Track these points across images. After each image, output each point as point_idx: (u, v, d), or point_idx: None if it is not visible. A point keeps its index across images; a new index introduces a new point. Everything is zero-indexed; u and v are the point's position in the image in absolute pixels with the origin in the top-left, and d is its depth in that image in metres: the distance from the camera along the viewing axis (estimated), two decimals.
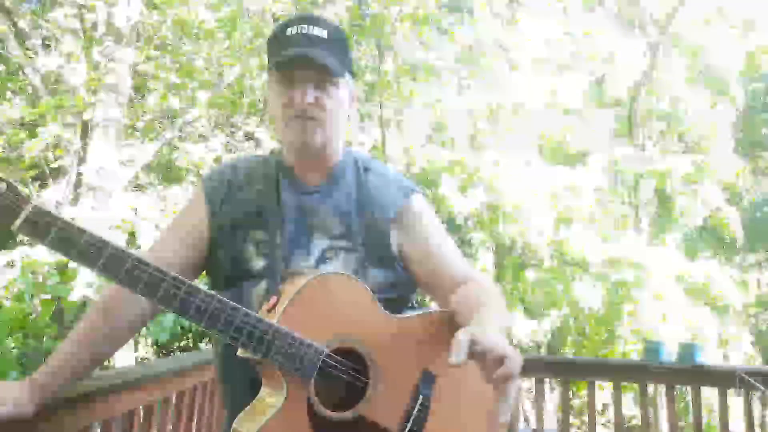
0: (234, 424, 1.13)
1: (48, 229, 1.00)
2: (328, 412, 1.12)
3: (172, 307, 1.06)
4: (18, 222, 0.99)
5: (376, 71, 8.56)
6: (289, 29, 1.24)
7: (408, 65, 9.27)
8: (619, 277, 8.52)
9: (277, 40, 1.25)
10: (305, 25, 1.23)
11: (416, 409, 1.19)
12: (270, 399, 1.11)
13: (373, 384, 1.16)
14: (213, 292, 1.10)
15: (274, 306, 1.13)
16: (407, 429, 1.18)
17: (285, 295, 1.14)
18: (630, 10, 12.53)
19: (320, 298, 1.14)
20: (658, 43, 11.51)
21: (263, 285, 1.22)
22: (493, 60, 10.21)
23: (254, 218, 1.27)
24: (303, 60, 1.20)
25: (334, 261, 1.25)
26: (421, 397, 1.19)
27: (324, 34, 1.24)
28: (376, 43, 8.41)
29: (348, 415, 1.14)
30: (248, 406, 1.13)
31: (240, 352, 1.12)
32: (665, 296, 8.50)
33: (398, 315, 1.23)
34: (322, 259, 1.25)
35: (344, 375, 1.15)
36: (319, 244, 1.26)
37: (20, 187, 1.02)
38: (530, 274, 9.26)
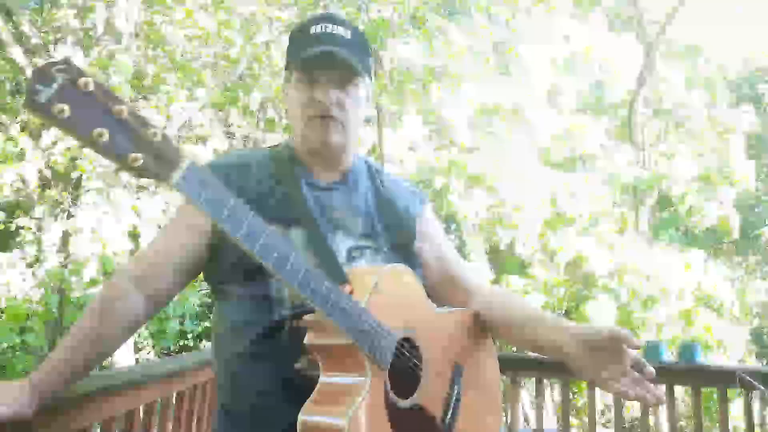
0: (302, 416, 1.05)
1: (204, 185, 0.90)
2: (399, 400, 1.14)
3: (293, 283, 0.99)
4: (176, 176, 0.87)
5: (374, 73, 8.57)
6: (312, 28, 1.24)
7: (407, 68, 9.28)
8: (628, 290, 8.49)
9: (300, 38, 1.25)
10: (329, 24, 1.23)
11: (453, 399, 1.25)
12: (348, 385, 1.08)
13: (424, 373, 1.20)
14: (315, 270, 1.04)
15: (350, 294, 1.12)
16: (448, 417, 1.24)
17: (360, 284, 1.13)
18: (628, 10, 12.54)
19: (392, 289, 1.17)
20: (656, 44, 11.51)
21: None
22: (492, 63, 10.22)
23: (273, 211, 1.19)
24: (329, 58, 1.20)
25: (361, 261, 1.25)
26: (456, 387, 1.26)
27: (348, 34, 1.24)
28: (375, 46, 8.42)
29: (409, 402, 1.17)
30: (314, 395, 1.07)
31: (310, 338, 1.09)
32: (664, 297, 8.51)
33: (440, 309, 1.29)
34: (349, 258, 1.25)
35: (411, 364, 1.19)
36: (345, 243, 1.26)
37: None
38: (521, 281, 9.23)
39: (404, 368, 1.19)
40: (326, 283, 1.03)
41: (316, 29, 1.23)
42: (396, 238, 1.31)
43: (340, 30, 1.23)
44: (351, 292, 1.12)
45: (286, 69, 1.29)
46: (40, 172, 6.84)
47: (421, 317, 1.23)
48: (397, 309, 1.17)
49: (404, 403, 1.16)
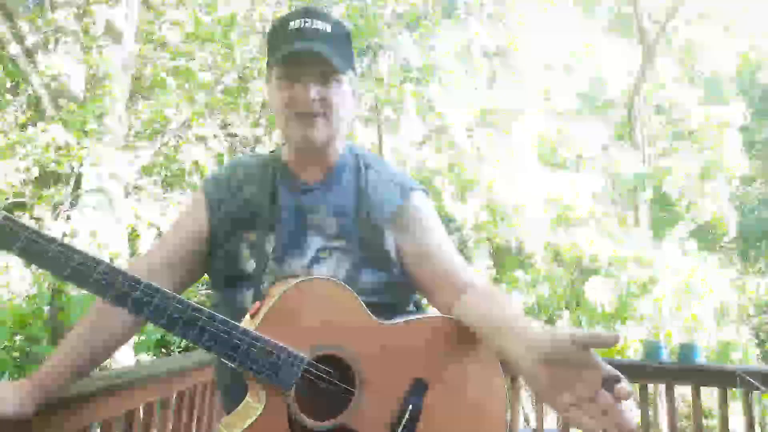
0: (220, 425, 1.13)
1: (16, 237, 0.99)
2: (309, 422, 1.09)
3: (144, 314, 1.05)
4: None
5: (372, 72, 8.56)
6: (291, 23, 1.20)
7: (405, 67, 9.27)
8: (628, 276, 8.48)
9: (279, 34, 1.22)
10: (308, 19, 1.20)
11: (404, 420, 1.15)
12: (250, 407, 1.09)
13: (358, 393, 1.13)
14: (187, 299, 1.08)
15: (257, 311, 1.11)
16: None
17: (268, 300, 1.12)
18: (627, 10, 12.53)
19: (304, 304, 1.11)
20: (655, 44, 11.51)
21: (253, 288, 1.20)
22: (490, 63, 10.21)
23: (249, 219, 1.25)
24: (307, 55, 1.17)
25: (328, 261, 1.23)
26: (410, 406, 1.16)
27: (327, 28, 1.20)
28: (372, 44, 8.39)
29: (329, 424, 1.11)
30: (233, 411, 1.12)
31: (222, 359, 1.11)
32: (665, 296, 8.50)
33: (389, 321, 1.19)
34: (315, 260, 1.23)
35: (327, 384, 1.13)
36: (314, 243, 1.24)
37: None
38: (525, 277, 9.21)
39: (335, 389, 1.13)
40: (189, 309, 1.05)
41: (294, 24, 1.20)
42: (366, 236, 1.24)
43: (319, 24, 1.19)
44: (256, 311, 1.11)
45: (267, 66, 1.26)
46: (36, 171, 6.82)
47: (353, 332, 1.13)
48: (309, 325, 1.10)
49: (322, 426, 1.10)
